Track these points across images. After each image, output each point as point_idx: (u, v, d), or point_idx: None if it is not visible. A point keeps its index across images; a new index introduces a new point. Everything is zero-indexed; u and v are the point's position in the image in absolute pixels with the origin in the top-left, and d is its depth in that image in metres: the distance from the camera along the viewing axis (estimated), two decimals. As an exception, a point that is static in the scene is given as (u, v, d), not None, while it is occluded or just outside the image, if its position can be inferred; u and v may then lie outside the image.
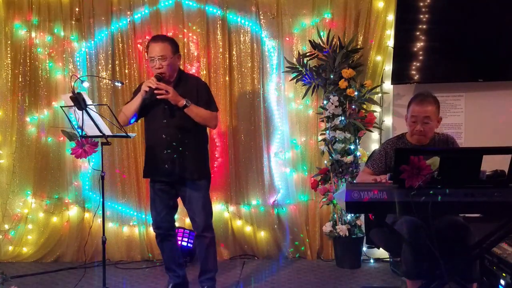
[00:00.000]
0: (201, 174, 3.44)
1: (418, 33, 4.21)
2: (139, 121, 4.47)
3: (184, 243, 4.34)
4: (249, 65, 4.52)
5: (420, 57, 4.23)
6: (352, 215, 4.23)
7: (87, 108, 3.22)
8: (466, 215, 3.23)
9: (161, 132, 3.34)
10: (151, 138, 3.44)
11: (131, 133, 3.43)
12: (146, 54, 3.44)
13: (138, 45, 4.54)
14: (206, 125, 3.47)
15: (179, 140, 3.33)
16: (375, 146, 4.45)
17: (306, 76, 4.34)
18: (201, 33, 4.50)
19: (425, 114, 3.02)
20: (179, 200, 3.55)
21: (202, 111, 3.34)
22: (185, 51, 4.51)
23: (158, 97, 3.22)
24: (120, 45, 4.54)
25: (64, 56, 4.58)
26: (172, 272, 3.54)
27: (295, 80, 4.39)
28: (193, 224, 3.50)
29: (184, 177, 3.37)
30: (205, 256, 3.47)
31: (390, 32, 4.36)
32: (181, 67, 4.45)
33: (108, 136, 3.42)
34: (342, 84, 4.20)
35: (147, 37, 4.52)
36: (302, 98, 4.44)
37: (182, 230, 4.39)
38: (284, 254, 4.53)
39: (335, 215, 4.33)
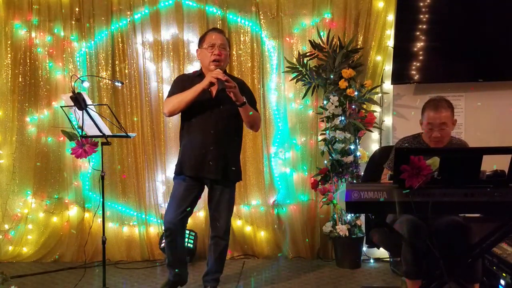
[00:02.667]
0: (240, 176, 3.45)
1: (418, 33, 4.21)
2: (137, 119, 4.53)
3: (185, 243, 4.33)
4: (249, 65, 4.52)
5: (420, 57, 4.23)
6: (352, 215, 4.23)
7: (87, 108, 3.23)
8: (466, 215, 3.23)
9: (209, 127, 3.25)
10: (195, 133, 3.31)
11: (131, 133, 3.43)
12: (199, 44, 3.35)
13: (138, 45, 4.54)
14: (253, 126, 3.38)
15: (226, 138, 3.29)
16: (375, 146, 4.45)
17: (306, 76, 4.34)
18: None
19: (441, 121, 3.01)
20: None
21: (254, 111, 3.31)
22: (185, 51, 4.52)
23: (228, 91, 3.12)
24: (120, 45, 4.54)
25: (64, 56, 4.58)
26: (174, 270, 3.50)
27: (295, 80, 4.39)
28: (214, 225, 3.40)
29: (228, 178, 3.32)
30: (217, 258, 3.43)
31: (390, 32, 4.36)
32: (180, 67, 4.50)
33: (108, 136, 3.42)
34: (342, 84, 4.20)
35: (147, 37, 4.53)
36: (302, 98, 4.44)
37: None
38: (284, 254, 4.53)
39: (335, 215, 4.33)
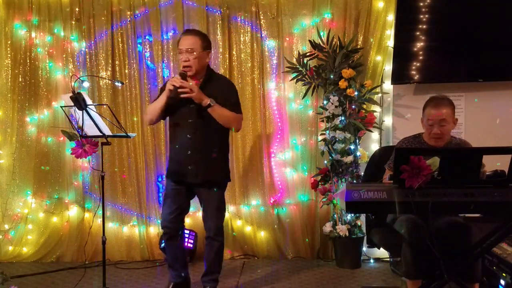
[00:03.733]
0: (224, 178, 3.43)
1: (418, 33, 4.21)
2: (136, 119, 4.52)
3: (184, 243, 4.33)
4: (249, 65, 4.52)
5: (420, 57, 4.23)
6: (352, 215, 4.23)
7: (87, 108, 3.22)
8: (466, 215, 3.23)
9: (186, 132, 3.27)
10: (176, 138, 3.36)
11: (131, 133, 3.43)
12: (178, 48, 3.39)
13: (138, 45, 4.54)
14: (229, 127, 3.40)
15: (205, 141, 3.28)
16: (375, 146, 4.45)
17: (306, 76, 4.34)
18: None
19: (442, 117, 3.02)
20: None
21: (226, 112, 3.28)
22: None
23: (182, 96, 3.15)
24: (120, 45, 4.54)
25: (64, 56, 4.58)
26: (175, 271, 3.51)
27: (295, 80, 4.39)
28: (205, 226, 3.45)
29: (208, 181, 3.32)
30: (213, 258, 3.44)
31: (390, 32, 4.36)
32: (180, 67, 4.48)
33: (108, 136, 3.42)
34: (342, 84, 4.20)
35: (147, 37, 4.53)
36: (302, 98, 4.44)
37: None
38: (284, 254, 4.53)
39: (335, 215, 4.33)
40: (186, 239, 4.35)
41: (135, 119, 4.54)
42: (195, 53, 3.25)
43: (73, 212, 4.62)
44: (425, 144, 3.15)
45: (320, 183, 4.34)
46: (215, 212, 3.39)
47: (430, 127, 3.06)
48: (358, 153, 4.30)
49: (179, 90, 3.14)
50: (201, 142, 3.28)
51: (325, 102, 4.32)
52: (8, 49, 4.58)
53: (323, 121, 4.41)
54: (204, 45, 3.31)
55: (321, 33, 4.34)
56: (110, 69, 4.55)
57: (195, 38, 3.29)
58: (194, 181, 3.33)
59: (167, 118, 3.45)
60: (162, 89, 3.40)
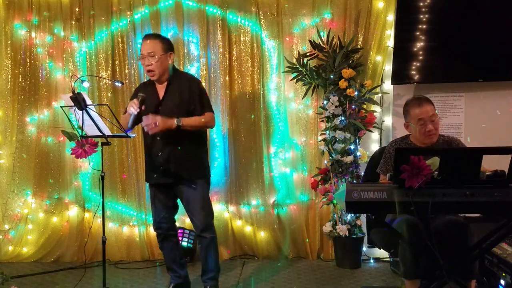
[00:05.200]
0: (198, 174, 3.40)
1: (418, 33, 4.21)
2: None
3: (184, 243, 4.34)
4: (249, 65, 4.52)
5: (420, 57, 4.23)
6: (352, 215, 4.23)
7: (87, 108, 3.22)
8: (466, 215, 3.23)
9: (155, 134, 3.27)
10: (147, 142, 3.43)
11: (131, 133, 3.43)
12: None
13: (138, 45, 4.54)
14: (206, 129, 3.46)
15: (173, 141, 3.29)
16: (375, 146, 4.45)
17: (306, 76, 4.34)
18: (201, 33, 4.50)
19: (431, 113, 3.05)
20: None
21: (196, 121, 3.27)
22: (185, 51, 4.52)
23: (149, 133, 3.17)
24: (120, 45, 4.54)
25: (64, 56, 4.58)
26: (174, 273, 3.53)
27: (295, 80, 4.39)
28: (193, 224, 3.48)
29: (181, 177, 3.34)
30: (205, 256, 3.45)
31: (390, 32, 4.36)
32: (180, 67, 4.50)
33: (108, 136, 3.42)
34: (342, 84, 4.20)
35: (147, 37, 4.53)
36: (302, 98, 4.44)
37: (182, 230, 4.39)
38: (284, 254, 4.53)
39: (335, 215, 4.33)
40: (186, 239, 4.36)
41: (135, 119, 4.54)
42: (156, 56, 3.26)
43: (73, 212, 4.62)
44: (412, 145, 3.16)
45: (320, 183, 4.34)
46: (199, 209, 3.38)
47: (422, 126, 3.06)
48: (358, 153, 4.30)
49: (145, 129, 3.17)
50: (171, 142, 3.29)
51: (325, 102, 4.33)
52: (8, 49, 4.58)
53: (323, 121, 4.41)
54: (165, 47, 3.32)
55: (321, 33, 4.34)
56: (110, 69, 4.55)
57: (155, 41, 3.30)
58: (167, 181, 3.35)
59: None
60: (136, 91, 3.45)
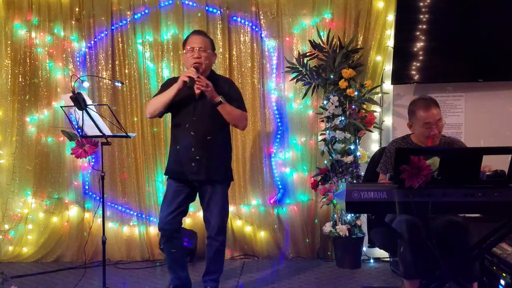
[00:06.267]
0: (225, 176, 3.41)
1: (418, 33, 4.21)
2: (137, 119, 4.52)
3: (184, 243, 4.33)
4: (249, 65, 4.52)
5: (420, 57, 4.23)
6: (352, 215, 4.23)
7: (87, 108, 3.23)
8: (466, 215, 3.23)
9: (189, 129, 3.26)
10: (179, 137, 3.35)
11: (131, 133, 3.43)
12: (183, 48, 3.39)
13: (138, 45, 4.54)
14: (236, 125, 3.40)
15: (208, 139, 3.27)
16: (375, 146, 4.45)
17: (306, 76, 4.34)
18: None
19: (438, 117, 3.05)
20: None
21: (235, 110, 3.29)
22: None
23: (197, 88, 3.14)
24: (120, 45, 4.54)
25: (64, 56, 4.58)
26: (174, 274, 3.48)
27: (295, 80, 4.39)
28: (207, 225, 3.43)
29: (211, 178, 3.31)
30: (214, 258, 3.43)
31: (390, 32, 4.36)
32: (180, 67, 4.50)
33: (108, 136, 3.42)
34: (342, 84, 4.20)
35: (147, 37, 4.53)
36: (302, 98, 4.44)
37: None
38: (284, 254, 4.53)
39: (335, 215, 4.33)
40: (186, 239, 4.35)
41: (135, 119, 4.54)
42: (207, 51, 3.30)
43: (73, 212, 4.62)
44: (413, 145, 3.15)
45: (320, 183, 4.34)
46: (218, 211, 3.36)
47: (428, 130, 3.06)
48: (358, 153, 4.30)
49: (196, 83, 3.13)
50: (204, 140, 3.27)
51: (325, 102, 4.33)
52: (8, 49, 4.58)
53: (323, 121, 4.41)
54: (212, 47, 3.40)
55: (321, 33, 4.34)
56: (110, 69, 4.55)
57: (206, 39, 3.37)
58: (198, 178, 3.30)
59: (169, 119, 3.45)
60: (163, 86, 3.42)
